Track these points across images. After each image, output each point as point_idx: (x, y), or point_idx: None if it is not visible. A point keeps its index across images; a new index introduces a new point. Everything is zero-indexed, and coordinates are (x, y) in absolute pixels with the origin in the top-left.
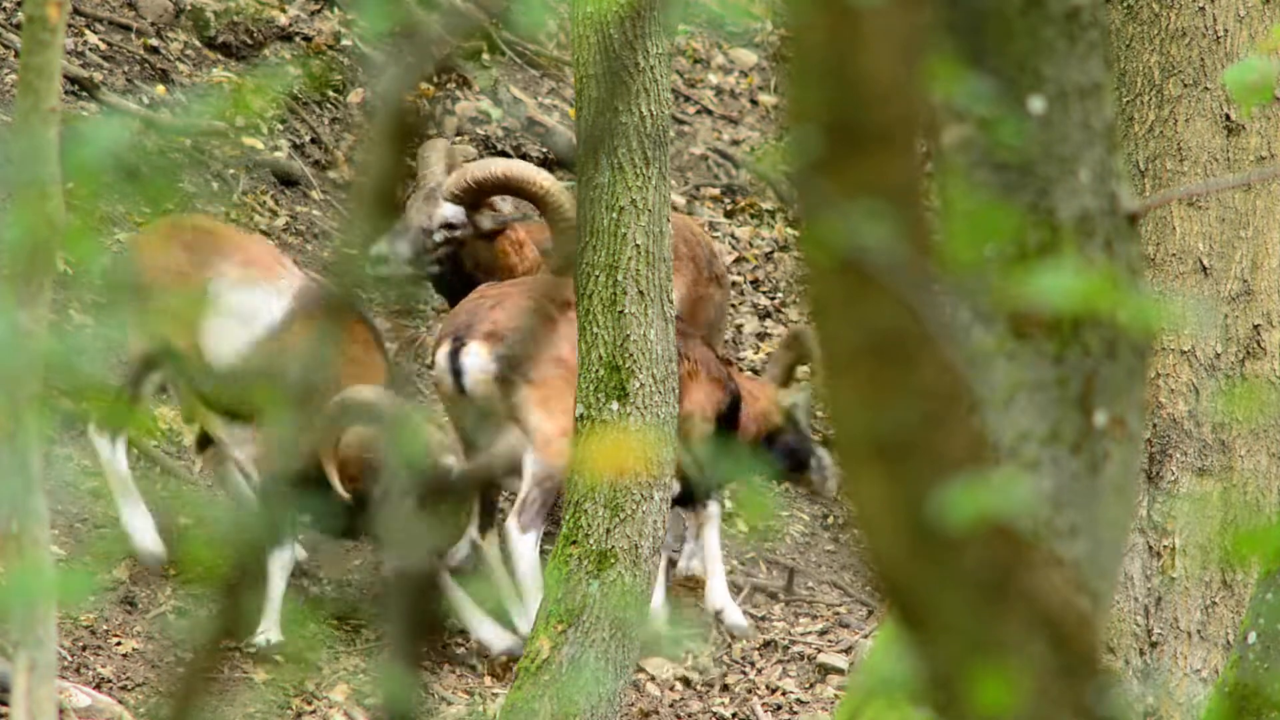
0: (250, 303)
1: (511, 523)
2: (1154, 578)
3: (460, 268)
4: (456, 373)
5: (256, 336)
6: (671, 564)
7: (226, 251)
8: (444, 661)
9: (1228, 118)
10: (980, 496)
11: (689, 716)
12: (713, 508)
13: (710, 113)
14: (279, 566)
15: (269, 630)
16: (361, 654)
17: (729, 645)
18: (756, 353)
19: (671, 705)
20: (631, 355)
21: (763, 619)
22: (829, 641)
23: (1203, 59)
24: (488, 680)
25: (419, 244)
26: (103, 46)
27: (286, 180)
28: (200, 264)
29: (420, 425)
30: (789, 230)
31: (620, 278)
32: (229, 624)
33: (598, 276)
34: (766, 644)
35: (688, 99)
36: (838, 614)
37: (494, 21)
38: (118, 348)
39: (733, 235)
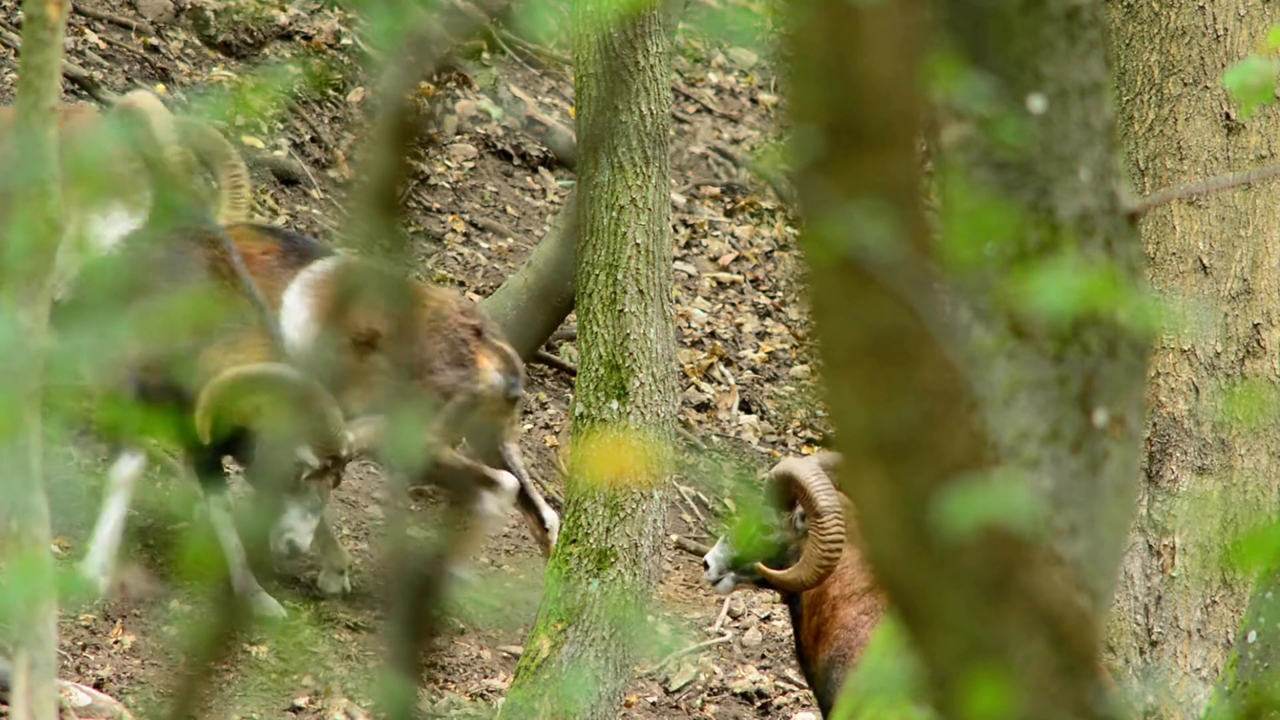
0: None
1: None
2: (1154, 577)
3: None
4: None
5: None
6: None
7: None
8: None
9: (1228, 116)
10: (980, 503)
11: (690, 714)
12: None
13: (710, 111)
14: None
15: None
16: (361, 654)
17: (729, 644)
18: (756, 351)
19: (672, 704)
20: (631, 354)
21: (766, 619)
22: None
23: (1203, 58)
24: (489, 681)
25: None
26: (103, 45)
27: (287, 179)
28: None
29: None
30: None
31: (620, 276)
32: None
33: (598, 275)
34: (766, 642)
35: (688, 98)
36: None
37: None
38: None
39: (733, 234)
